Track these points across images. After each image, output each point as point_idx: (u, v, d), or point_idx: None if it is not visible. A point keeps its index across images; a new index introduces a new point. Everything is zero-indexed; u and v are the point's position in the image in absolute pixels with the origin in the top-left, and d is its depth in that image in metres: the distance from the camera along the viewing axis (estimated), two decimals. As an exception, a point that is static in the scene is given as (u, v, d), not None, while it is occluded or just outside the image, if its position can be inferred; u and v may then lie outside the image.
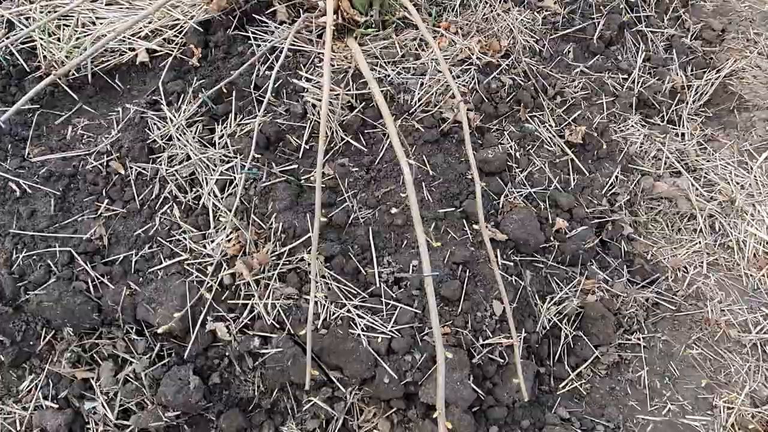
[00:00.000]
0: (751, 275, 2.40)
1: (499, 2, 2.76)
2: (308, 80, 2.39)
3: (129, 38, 2.47)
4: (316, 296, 1.97)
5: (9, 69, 2.40)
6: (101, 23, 2.49)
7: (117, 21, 2.49)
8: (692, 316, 2.32)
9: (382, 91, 2.35)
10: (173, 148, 2.23)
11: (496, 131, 2.45)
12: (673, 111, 2.85)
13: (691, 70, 2.99)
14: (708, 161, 2.69)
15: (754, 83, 2.86)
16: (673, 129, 2.80)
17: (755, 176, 2.63)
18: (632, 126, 2.66)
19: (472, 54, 2.52)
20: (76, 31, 2.46)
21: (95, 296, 2.03)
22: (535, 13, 2.79)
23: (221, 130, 2.30)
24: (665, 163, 2.64)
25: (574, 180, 2.44)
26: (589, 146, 2.54)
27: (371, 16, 2.59)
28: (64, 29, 2.46)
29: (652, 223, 2.57)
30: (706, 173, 2.65)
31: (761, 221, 2.49)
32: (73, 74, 2.40)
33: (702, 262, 2.45)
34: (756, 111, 2.79)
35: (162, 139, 2.24)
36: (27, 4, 2.55)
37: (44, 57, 2.40)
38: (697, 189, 2.59)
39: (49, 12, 2.51)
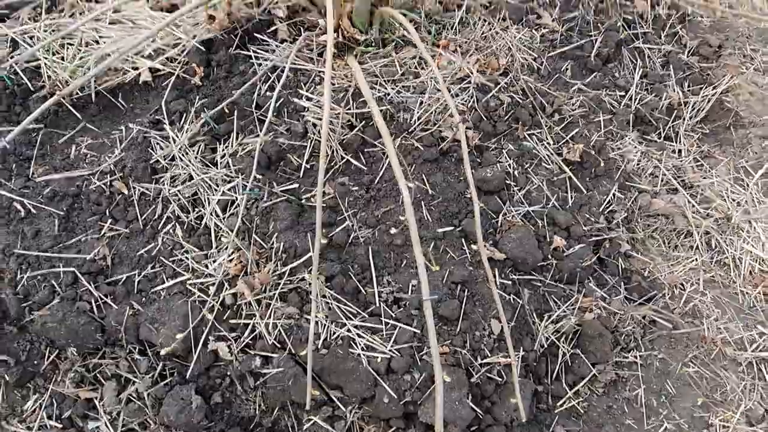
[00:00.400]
0: (747, 293, 2.42)
1: (498, 20, 2.79)
2: (309, 99, 2.42)
3: (132, 57, 2.50)
4: (316, 316, 1.99)
5: (13, 88, 2.43)
6: (105, 42, 2.52)
7: (120, 40, 2.52)
8: (688, 334, 2.35)
9: (381, 109, 2.38)
10: (176, 168, 2.26)
11: (495, 150, 2.48)
12: (669, 127, 2.88)
13: (688, 86, 3.01)
14: (704, 178, 2.72)
15: (751, 100, 2.89)
16: (670, 146, 2.83)
17: (751, 193, 2.66)
18: (629, 143, 2.68)
19: (471, 72, 2.55)
20: (80, 50, 2.49)
21: (99, 316, 2.06)
22: (533, 31, 2.82)
23: (223, 150, 2.33)
24: (662, 180, 2.67)
25: (572, 198, 2.46)
26: (587, 164, 2.57)
27: (371, 34, 2.62)
28: (67, 48, 2.50)
29: (650, 239, 2.60)
30: (702, 190, 2.68)
31: (757, 238, 2.52)
32: (77, 93, 2.43)
33: (699, 279, 2.48)
34: (752, 128, 2.82)
35: (164, 159, 2.27)
36: (31, 23, 2.59)
37: (48, 76, 2.43)
38: (693, 206, 2.62)
39: (53, 31, 2.54)
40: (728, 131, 2.88)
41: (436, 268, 2.14)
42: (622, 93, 2.83)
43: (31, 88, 2.43)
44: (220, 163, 2.29)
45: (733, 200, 2.64)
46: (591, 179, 2.57)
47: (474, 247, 2.18)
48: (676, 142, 2.86)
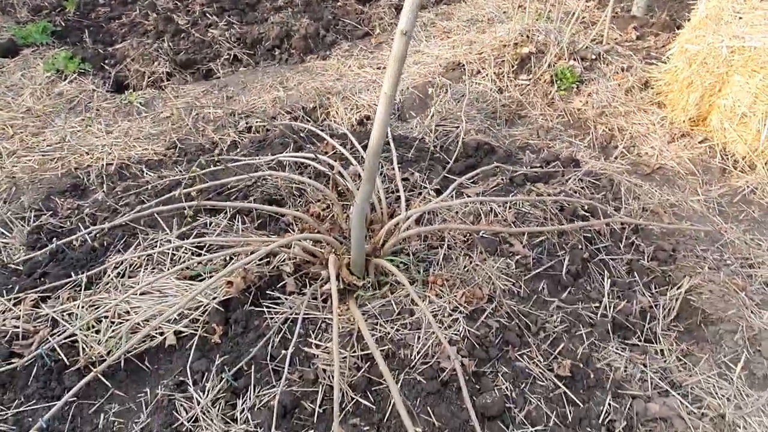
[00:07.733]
0: (760, 495, 2.46)
1: (476, 254, 3.22)
2: (317, 346, 2.69)
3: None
4: None
5: (51, 365, 2.69)
6: (136, 312, 2.86)
7: (149, 309, 2.86)
8: None
9: (383, 349, 2.66)
10: (199, 429, 2.42)
11: (491, 374, 2.70)
12: (647, 329, 3.14)
13: (655, 289, 3.35)
14: (690, 376, 2.91)
15: (712, 297, 3.21)
16: (652, 347, 3.06)
17: (737, 387, 2.83)
18: (613, 351, 2.92)
19: (459, 304, 2.88)
20: (113, 322, 2.82)
21: None
22: (508, 260, 3.23)
23: (242, 405, 2.52)
24: (651, 384, 2.84)
25: (570, 412, 2.61)
26: (578, 377, 2.77)
27: (368, 280, 3.00)
28: (102, 321, 2.82)
29: (655, 446, 2.69)
30: (691, 389, 2.84)
31: (755, 434, 2.63)
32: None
33: (710, 484, 2.52)
34: (721, 324, 3.09)
35: (189, 422, 2.45)
36: (71, 301, 2.95)
37: (83, 349, 2.71)
38: (686, 406, 2.76)
39: (91, 307, 2.89)
40: (700, 328, 3.15)
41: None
42: (597, 304, 3.15)
43: (67, 363, 2.69)
44: (240, 418, 2.47)
45: (722, 395, 2.80)
46: (584, 391, 2.75)
47: (486, 479, 2.28)
48: (656, 343, 3.10)
